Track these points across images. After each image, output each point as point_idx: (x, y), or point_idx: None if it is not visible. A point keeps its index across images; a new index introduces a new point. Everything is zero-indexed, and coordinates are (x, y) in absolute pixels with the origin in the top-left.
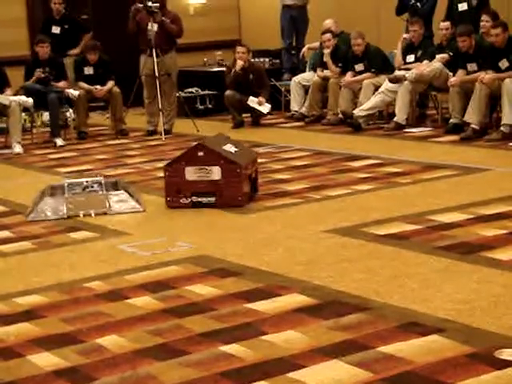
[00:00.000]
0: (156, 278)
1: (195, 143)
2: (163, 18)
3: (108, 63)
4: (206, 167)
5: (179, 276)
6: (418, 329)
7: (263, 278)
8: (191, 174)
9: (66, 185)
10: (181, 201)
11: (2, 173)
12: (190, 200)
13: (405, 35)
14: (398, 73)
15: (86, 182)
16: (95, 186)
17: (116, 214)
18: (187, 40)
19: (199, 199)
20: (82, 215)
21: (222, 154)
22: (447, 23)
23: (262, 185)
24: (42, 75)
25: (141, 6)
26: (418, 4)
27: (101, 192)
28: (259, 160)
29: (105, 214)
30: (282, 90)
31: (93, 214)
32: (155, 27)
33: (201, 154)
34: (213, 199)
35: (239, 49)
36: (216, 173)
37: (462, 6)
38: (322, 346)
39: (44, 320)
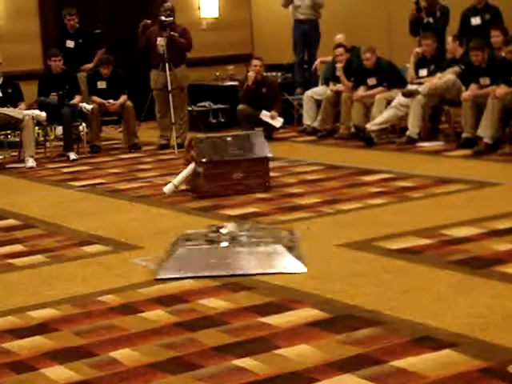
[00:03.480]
0: (169, 291)
1: None
2: (172, 33)
3: (121, 77)
4: None
5: (192, 289)
6: (430, 343)
7: (276, 291)
8: None
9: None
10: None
11: (16, 186)
12: None
13: (417, 49)
14: (410, 87)
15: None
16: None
17: None
18: (200, 54)
19: None
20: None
21: None
22: (450, 38)
23: (274, 199)
24: (56, 97)
25: (149, 21)
26: (431, 20)
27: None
28: (271, 174)
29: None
30: (295, 104)
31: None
32: (165, 42)
33: None
34: None
35: (255, 62)
36: None
37: (476, 21)
38: (334, 360)
39: (57, 333)
